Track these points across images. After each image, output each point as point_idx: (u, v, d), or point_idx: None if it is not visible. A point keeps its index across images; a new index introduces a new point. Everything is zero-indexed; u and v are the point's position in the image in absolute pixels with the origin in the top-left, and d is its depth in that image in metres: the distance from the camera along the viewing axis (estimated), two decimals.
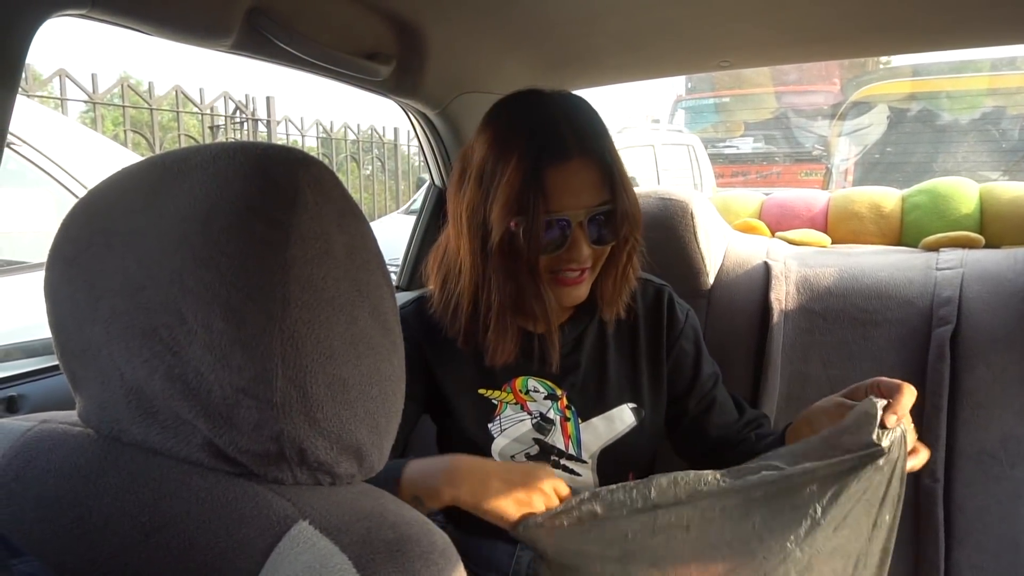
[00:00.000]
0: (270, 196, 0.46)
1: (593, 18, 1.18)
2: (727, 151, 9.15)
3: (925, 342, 1.20)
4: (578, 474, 1.03)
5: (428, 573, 0.44)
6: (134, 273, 0.47)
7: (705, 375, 1.08)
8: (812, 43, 1.31)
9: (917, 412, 1.18)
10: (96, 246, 0.49)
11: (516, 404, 1.03)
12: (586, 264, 0.94)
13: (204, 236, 0.45)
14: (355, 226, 0.51)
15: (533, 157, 0.89)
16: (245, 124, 5.37)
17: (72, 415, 0.55)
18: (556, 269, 0.94)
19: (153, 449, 0.48)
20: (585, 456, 1.03)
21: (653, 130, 6.38)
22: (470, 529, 1.02)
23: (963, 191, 1.54)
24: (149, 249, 0.46)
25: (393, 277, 1.66)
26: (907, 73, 7.56)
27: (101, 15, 0.70)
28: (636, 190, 1.41)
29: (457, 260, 0.99)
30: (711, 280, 1.37)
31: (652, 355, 1.07)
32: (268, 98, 5.43)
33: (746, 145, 9.28)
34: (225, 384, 0.44)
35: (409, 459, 0.88)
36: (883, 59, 8.04)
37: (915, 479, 1.14)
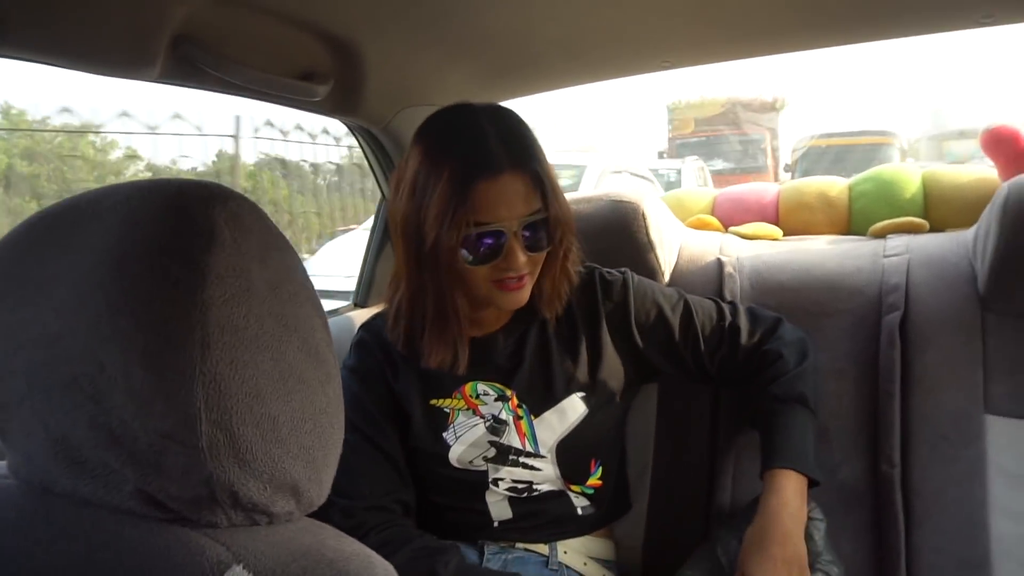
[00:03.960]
0: (185, 236, 0.45)
1: (531, 26, 1.18)
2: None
3: (876, 330, 1.22)
4: (538, 469, 1.06)
5: None
6: (51, 323, 0.46)
7: (675, 317, 1.11)
8: (751, 39, 1.32)
9: (872, 399, 1.20)
10: (11, 296, 0.48)
11: (468, 410, 1.05)
12: (524, 271, 0.97)
13: (119, 281, 0.44)
14: (279, 260, 0.50)
15: (464, 172, 0.92)
16: None
17: (4, 466, 0.54)
18: (497, 277, 0.97)
19: (84, 500, 0.47)
20: (543, 451, 1.05)
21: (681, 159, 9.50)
22: (447, 535, 1.05)
23: (906, 176, 1.57)
24: (65, 297, 0.45)
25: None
26: None
27: (13, 52, 0.68)
28: (587, 193, 1.42)
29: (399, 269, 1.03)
30: (666, 279, 1.38)
31: (592, 341, 1.10)
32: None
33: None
34: (150, 431, 0.43)
35: None
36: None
37: (873, 466, 1.16)
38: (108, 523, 0.46)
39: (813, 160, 9.55)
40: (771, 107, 11.78)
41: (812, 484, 1.00)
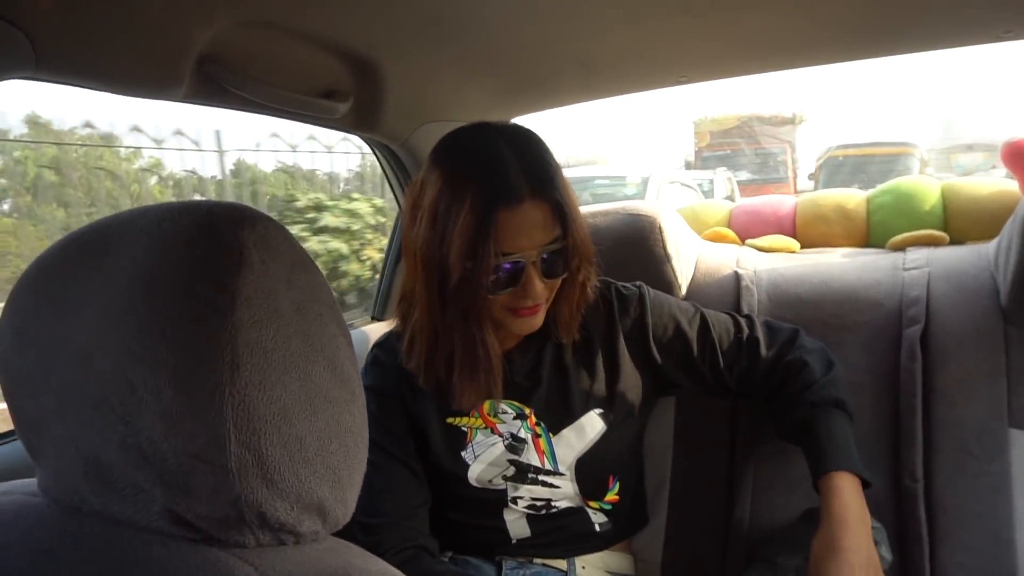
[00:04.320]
0: (215, 258, 0.46)
1: (551, 43, 1.19)
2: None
3: (896, 343, 1.21)
4: (557, 487, 1.05)
5: None
6: (83, 343, 0.46)
7: (693, 331, 1.10)
8: (766, 55, 1.33)
9: (892, 413, 1.19)
10: (44, 316, 0.49)
11: (486, 428, 1.05)
12: (541, 299, 0.96)
13: (150, 302, 0.44)
14: (305, 280, 0.50)
15: (486, 201, 0.89)
16: None
17: (35, 484, 0.54)
18: (513, 306, 0.96)
19: (113, 519, 0.48)
20: (562, 468, 1.05)
21: (712, 169, 9.92)
22: (465, 551, 1.06)
23: (925, 189, 1.56)
24: (97, 318, 0.46)
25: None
26: None
27: (48, 76, 0.70)
28: (605, 206, 1.43)
29: (414, 294, 1.00)
30: (683, 292, 1.38)
31: (609, 357, 1.08)
32: None
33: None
34: (179, 451, 0.44)
35: None
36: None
37: (896, 480, 1.15)
38: (137, 543, 0.46)
39: (833, 170, 9.81)
40: (790, 121, 12.13)
41: (864, 487, 0.98)
